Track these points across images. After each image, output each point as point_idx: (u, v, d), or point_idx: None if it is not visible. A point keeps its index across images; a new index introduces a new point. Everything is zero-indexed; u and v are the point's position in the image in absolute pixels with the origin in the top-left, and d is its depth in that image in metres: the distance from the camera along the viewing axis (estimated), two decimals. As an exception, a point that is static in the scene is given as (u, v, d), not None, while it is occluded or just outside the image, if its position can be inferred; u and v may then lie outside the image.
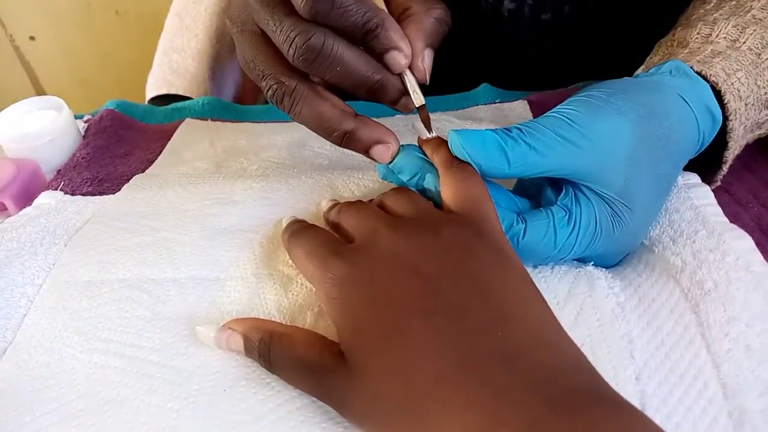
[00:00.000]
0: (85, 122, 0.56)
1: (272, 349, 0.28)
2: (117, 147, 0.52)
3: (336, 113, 0.32)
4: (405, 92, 0.33)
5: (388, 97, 0.32)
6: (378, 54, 0.30)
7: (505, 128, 0.31)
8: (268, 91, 0.32)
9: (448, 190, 0.31)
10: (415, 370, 0.24)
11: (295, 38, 0.29)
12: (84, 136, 0.54)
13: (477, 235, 0.28)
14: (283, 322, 0.31)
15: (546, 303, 0.27)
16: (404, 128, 0.49)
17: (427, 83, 0.33)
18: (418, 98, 0.32)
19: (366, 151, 0.33)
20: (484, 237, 0.28)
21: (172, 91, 0.73)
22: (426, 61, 0.31)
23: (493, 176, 0.32)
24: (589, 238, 0.32)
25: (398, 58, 0.30)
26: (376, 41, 0.30)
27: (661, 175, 0.33)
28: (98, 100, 0.72)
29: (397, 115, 0.53)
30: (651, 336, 0.29)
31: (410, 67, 0.31)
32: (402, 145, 0.34)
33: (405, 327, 0.25)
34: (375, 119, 0.34)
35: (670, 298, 0.31)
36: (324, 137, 0.33)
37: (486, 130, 0.31)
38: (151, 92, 0.75)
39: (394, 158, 0.34)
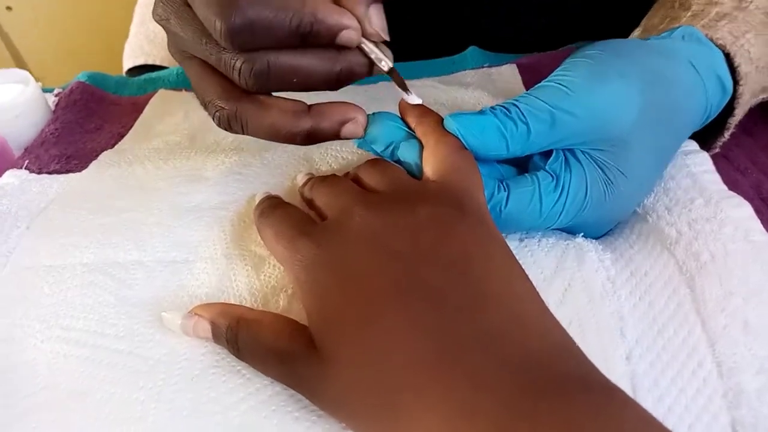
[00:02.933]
0: (56, 96, 0.54)
1: (240, 335, 0.26)
2: (87, 122, 0.50)
3: (287, 118, 0.29)
4: (373, 62, 0.30)
5: (359, 77, 0.30)
6: (327, 45, 0.28)
7: (503, 107, 0.29)
8: (213, 119, 0.30)
9: (432, 161, 0.29)
10: (388, 358, 0.22)
11: (240, 68, 0.27)
12: (54, 111, 0.51)
13: (457, 209, 0.26)
14: (255, 306, 0.30)
15: (530, 283, 0.25)
16: (387, 95, 0.47)
17: (388, 39, 0.30)
18: (385, 65, 0.29)
19: (337, 136, 0.31)
20: (465, 212, 0.26)
21: (149, 61, 0.70)
22: (374, 21, 0.28)
23: (486, 159, 0.30)
24: (577, 206, 0.30)
25: (348, 36, 0.27)
26: (318, 38, 0.27)
27: (663, 147, 0.31)
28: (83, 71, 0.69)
29: (381, 82, 0.50)
30: (643, 313, 0.28)
31: (363, 35, 0.29)
32: (373, 114, 0.32)
33: (378, 312, 0.23)
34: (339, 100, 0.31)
35: (664, 271, 0.29)
36: (289, 143, 0.31)
37: (485, 114, 0.29)
38: (127, 63, 0.72)
39: (366, 129, 0.31)
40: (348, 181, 0.31)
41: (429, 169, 0.29)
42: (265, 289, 0.30)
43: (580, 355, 0.23)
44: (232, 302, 0.30)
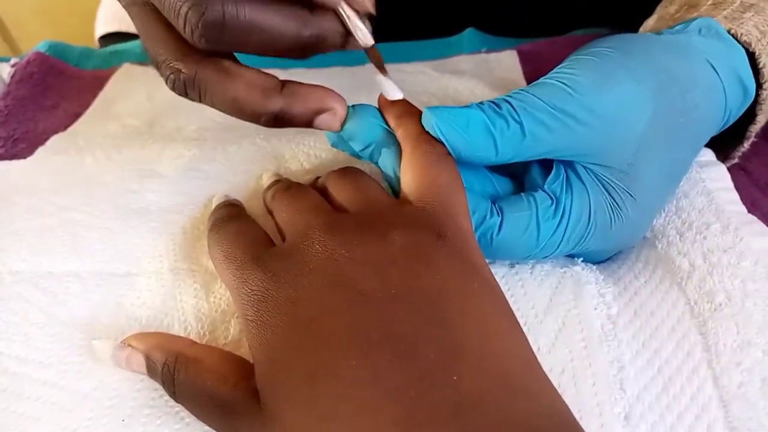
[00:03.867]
0: (12, 66, 0.49)
1: (176, 376, 0.22)
2: (43, 98, 0.45)
3: (255, 94, 0.24)
4: (349, 33, 0.25)
5: (330, 48, 0.25)
6: (299, 2, 0.23)
7: (493, 103, 0.25)
8: (167, 82, 0.25)
9: (409, 175, 0.25)
10: (344, 426, 0.18)
11: (187, 14, 0.21)
12: (7, 85, 0.47)
13: (437, 239, 0.22)
14: (201, 333, 0.26)
15: (520, 330, 0.21)
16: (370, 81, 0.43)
17: (374, 12, 0.26)
18: (364, 38, 0.24)
19: (309, 125, 0.26)
20: (445, 242, 0.22)
21: (123, 29, 0.65)
22: None
23: (473, 164, 0.26)
24: (579, 234, 0.26)
25: None
26: None
27: (676, 160, 0.27)
28: (62, 34, 0.64)
29: (367, 64, 0.45)
30: (646, 362, 0.24)
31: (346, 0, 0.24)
32: (354, 106, 0.27)
33: (335, 366, 0.19)
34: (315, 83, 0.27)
35: (673, 312, 0.25)
36: (252, 122, 0.26)
37: (471, 108, 0.25)
38: (100, 29, 0.67)
39: (345, 123, 0.27)
40: (312, 194, 0.26)
41: (405, 185, 0.25)
42: (214, 313, 0.26)
43: (572, 423, 0.19)
44: (176, 327, 0.26)
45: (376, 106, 0.28)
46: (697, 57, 0.27)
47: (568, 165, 0.26)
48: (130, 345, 0.24)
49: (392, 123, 0.27)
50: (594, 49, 0.27)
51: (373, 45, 0.25)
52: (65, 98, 0.46)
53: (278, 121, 0.25)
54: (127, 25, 0.65)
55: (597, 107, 0.25)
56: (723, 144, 0.33)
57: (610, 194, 0.26)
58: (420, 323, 0.20)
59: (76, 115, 0.43)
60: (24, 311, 0.27)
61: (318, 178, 0.29)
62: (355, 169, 0.28)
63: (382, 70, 0.27)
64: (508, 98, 0.25)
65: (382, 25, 0.26)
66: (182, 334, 0.26)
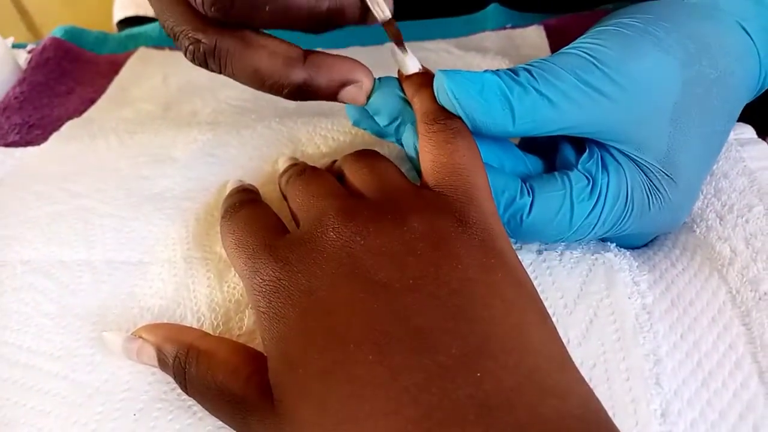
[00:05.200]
0: (29, 53, 0.48)
1: (188, 369, 0.21)
2: (58, 84, 0.44)
3: (277, 64, 0.23)
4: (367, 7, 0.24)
5: (348, 21, 0.23)
6: None
7: (510, 70, 0.23)
8: (185, 53, 0.23)
9: (426, 157, 0.24)
10: (359, 428, 0.17)
11: None
12: (24, 71, 0.46)
13: (458, 225, 0.21)
14: (214, 324, 0.25)
15: (550, 322, 0.20)
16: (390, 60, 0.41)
17: None
18: (380, 11, 0.23)
19: (333, 98, 0.25)
20: (466, 229, 0.21)
21: (141, 13, 0.64)
22: None
23: (490, 135, 0.24)
24: (616, 217, 0.24)
25: None
26: None
27: (713, 133, 0.25)
28: (84, 20, 0.63)
29: (387, 43, 0.44)
30: (685, 355, 0.22)
31: None
32: (380, 78, 0.26)
33: (350, 362, 0.18)
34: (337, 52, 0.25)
35: (713, 301, 0.24)
36: (273, 95, 0.25)
37: (485, 72, 0.23)
38: (118, 14, 0.66)
39: (370, 97, 0.26)
40: (327, 177, 0.25)
41: (423, 167, 0.24)
42: (228, 303, 0.25)
43: (607, 423, 0.18)
44: (189, 318, 0.25)
45: None
46: (726, 20, 0.25)
47: (601, 147, 0.25)
48: (140, 337, 0.23)
49: (411, 96, 0.26)
50: (618, 20, 0.25)
51: (390, 19, 0.24)
52: (80, 84, 0.45)
53: (302, 93, 0.24)
54: (144, 9, 0.64)
55: (622, 79, 0.23)
56: (764, 119, 0.30)
57: (647, 175, 0.24)
58: (440, 316, 0.19)
59: (91, 101, 0.42)
60: (35, 302, 0.27)
61: (335, 161, 0.28)
62: (371, 151, 0.26)
63: (401, 46, 0.26)
64: (527, 66, 0.23)
65: (403, 4, 0.24)
66: (195, 325, 0.25)
